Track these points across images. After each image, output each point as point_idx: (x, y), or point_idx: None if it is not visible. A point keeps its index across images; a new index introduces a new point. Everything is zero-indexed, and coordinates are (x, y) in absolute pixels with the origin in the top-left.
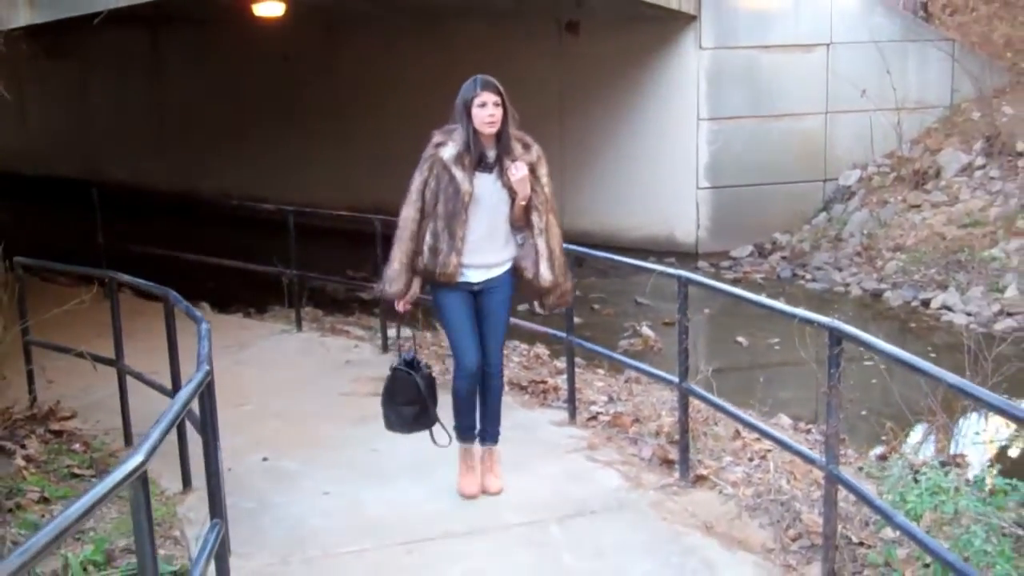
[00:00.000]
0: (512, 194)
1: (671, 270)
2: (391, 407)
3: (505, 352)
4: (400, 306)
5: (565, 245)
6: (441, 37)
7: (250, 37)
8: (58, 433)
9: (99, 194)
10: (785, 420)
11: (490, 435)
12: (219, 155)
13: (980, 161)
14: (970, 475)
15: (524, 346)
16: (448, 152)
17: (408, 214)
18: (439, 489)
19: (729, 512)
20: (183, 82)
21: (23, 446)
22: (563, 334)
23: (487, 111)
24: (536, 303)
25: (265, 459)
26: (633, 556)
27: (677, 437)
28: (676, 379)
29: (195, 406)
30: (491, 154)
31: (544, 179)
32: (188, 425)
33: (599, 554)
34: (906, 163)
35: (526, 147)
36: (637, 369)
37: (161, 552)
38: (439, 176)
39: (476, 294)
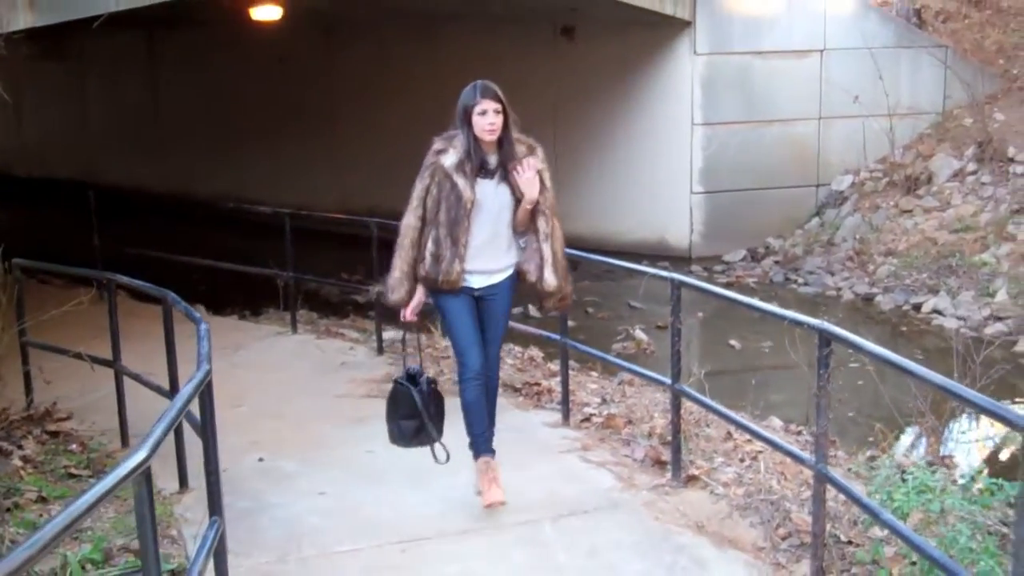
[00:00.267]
0: (516, 199)
1: (664, 273)
2: (392, 421)
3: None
4: (406, 315)
5: None
6: (436, 42)
7: (247, 41)
8: (55, 434)
9: (95, 196)
10: (776, 422)
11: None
12: (215, 158)
13: (972, 167)
14: (957, 475)
15: (518, 348)
16: (449, 160)
17: (409, 221)
18: (434, 489)
19: (720, 512)
20: (180, 85)
21: (20, 447)
22: (557, 336)
23: (487, 119)
24: (536, 306)
25: (261, 460)
26: (626, 555)
27: (669, 438)
28: (668, 381)
29: (193, 407)
30: (492, 160)
31: (548, 183)
32: (185, 426)
33: (592, 553)
34: (898, 168)
35: (531, 149)
36: (630, 371)
37: None
38: (441, 184)
39: (477, 299)
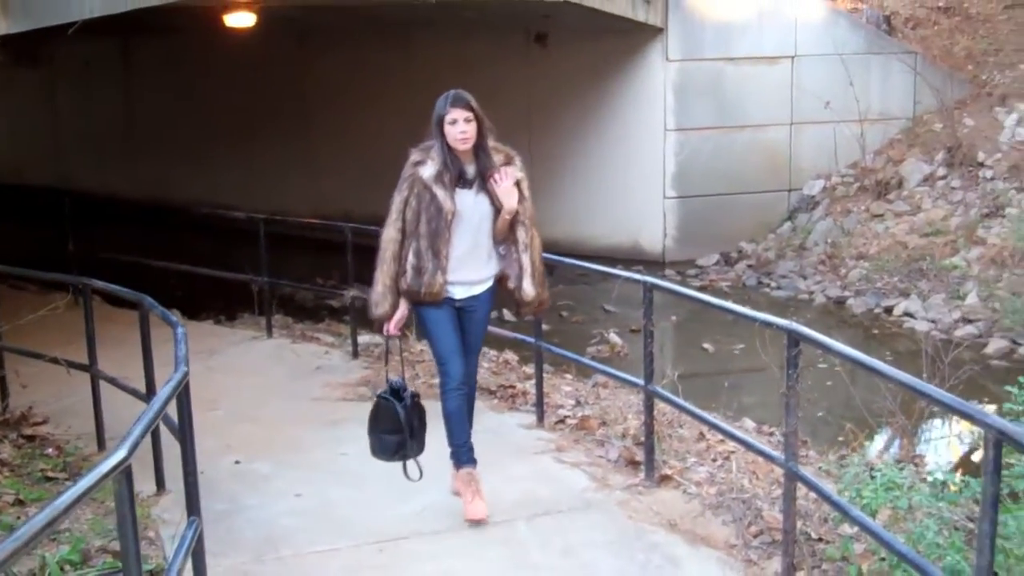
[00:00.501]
0: (495, 208)
1: (637, 276)
2: (374, 434)
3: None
4: (390, 329)
5: None
6: (410, 49)
7: (221, 48)
8: (31, 438)
9: (70, 203)
10: (749, 424)
11: None
12: (190, 164)
13: (942, 171)
14: (926, 473)
15: (493, 352)
16: (427, 171)
17: (390, 235)
18: (409, 490)
19: (693, 510)
20: (154, 91)
21: None
22: (532, 339)
23: (458, 128)
24: (512, 311)
25: (237, 462)
26: (600, 553)
27: (643, 439)
28: (642, 382)
29: (170, 409)
30: (471, 170)
31: (527, 192)
32: (162, 429)
33: (567, 552)
34: (869, 173)
35: (508, 159)
36: (604, 373)
37: None
38: (420, 195)
39: (458, 309)
